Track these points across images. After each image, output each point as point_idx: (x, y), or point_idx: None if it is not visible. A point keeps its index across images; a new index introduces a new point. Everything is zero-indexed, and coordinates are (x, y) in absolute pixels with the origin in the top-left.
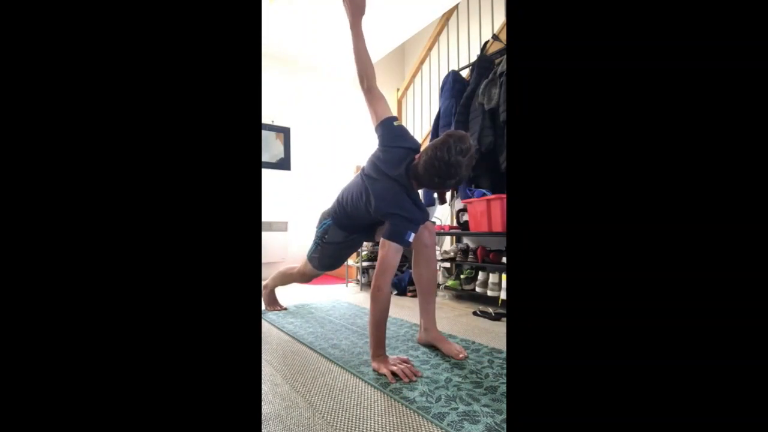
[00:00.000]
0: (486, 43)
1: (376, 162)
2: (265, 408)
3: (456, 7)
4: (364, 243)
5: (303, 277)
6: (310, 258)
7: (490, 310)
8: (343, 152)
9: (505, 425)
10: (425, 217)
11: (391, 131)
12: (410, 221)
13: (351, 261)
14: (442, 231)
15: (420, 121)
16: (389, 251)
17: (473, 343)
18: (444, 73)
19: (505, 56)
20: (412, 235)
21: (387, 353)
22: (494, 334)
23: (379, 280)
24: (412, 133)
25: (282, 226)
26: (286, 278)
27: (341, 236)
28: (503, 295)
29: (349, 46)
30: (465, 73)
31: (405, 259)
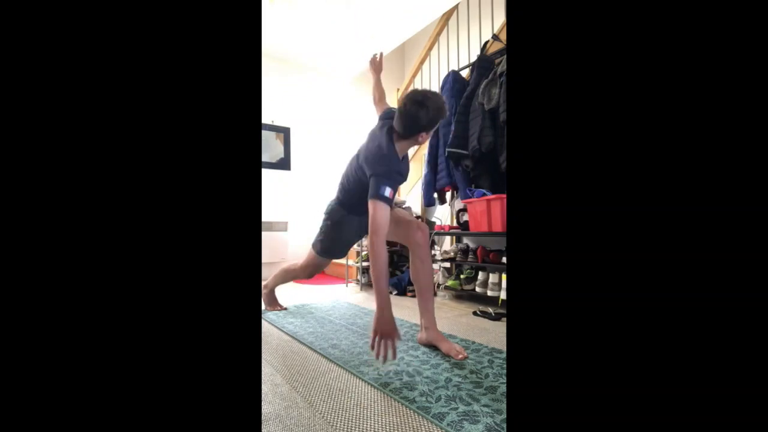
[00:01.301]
0: (486, 43)
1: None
2: (265, 408)
3: (456, 7)
4: (365, 243)
5: (305, 270)
6: (314, 243)
7: (490, 310)
8: (343, 152)
9: (505, 425)
10: (395, 167)
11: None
12: (382, 176)
13: (351, 261)
14: (442, 231)
15: None
16: (375, 210)
17: (473, 343)
18: (444, 73)
19: (505, 56)
20: (387, 189)
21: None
22: (494, 334)
23: (373, 238)
24: None
25: (282, 226)
26: (288, 274)
27: (344, 216)
28: (503, 295)
29: (349, 46)
30: (465, 73)
31: (405, 259)
